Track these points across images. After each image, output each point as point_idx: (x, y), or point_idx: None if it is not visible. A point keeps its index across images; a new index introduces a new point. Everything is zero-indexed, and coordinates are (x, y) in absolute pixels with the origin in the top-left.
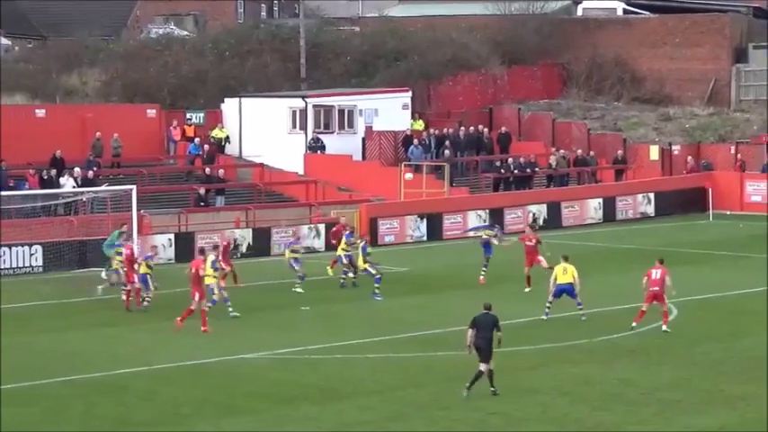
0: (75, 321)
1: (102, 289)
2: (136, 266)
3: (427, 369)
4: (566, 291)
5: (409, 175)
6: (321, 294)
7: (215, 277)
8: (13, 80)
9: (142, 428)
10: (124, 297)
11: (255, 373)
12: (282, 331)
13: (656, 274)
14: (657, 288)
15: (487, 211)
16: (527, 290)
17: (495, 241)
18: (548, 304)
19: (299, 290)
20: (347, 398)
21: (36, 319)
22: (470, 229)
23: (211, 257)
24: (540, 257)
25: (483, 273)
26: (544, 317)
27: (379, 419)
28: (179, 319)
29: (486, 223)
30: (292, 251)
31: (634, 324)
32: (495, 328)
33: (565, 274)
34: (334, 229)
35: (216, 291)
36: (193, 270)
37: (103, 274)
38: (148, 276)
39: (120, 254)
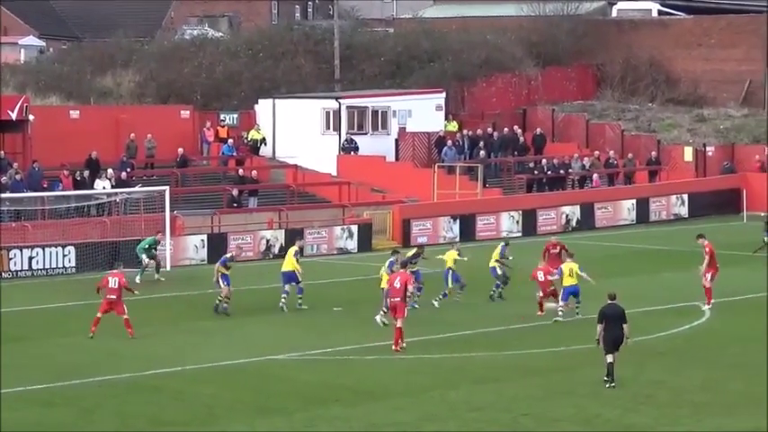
0: (108, 322)
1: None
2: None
3: (459, 370)
4: (572, 293)
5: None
6: (353, 295)
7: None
8: (48, 81)
9: (175, 428)
10: (93, 327)
11: (287, 374)
12: (314, 332)
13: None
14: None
15: (520, 212)
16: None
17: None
18: (560, 311)
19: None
20: (379, 399)
21: (70, 320)
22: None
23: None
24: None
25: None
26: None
27: (411, 420)
28: None
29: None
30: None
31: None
32: (623, 319)
33: (570, 276)
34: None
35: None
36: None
37: (137, 279)
38: (223, 277)
39: (152, 258)
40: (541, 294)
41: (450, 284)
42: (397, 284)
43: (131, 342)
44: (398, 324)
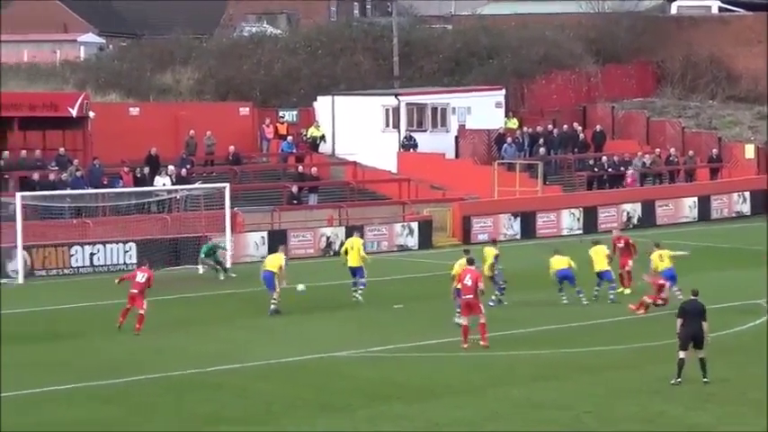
0: (167, 318)
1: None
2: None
3: (520, 367)
4: (670, 277)
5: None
6: (414, 292)
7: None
8: (108, 78)
9: (234, 426)
10: (121, 318)
11: (348, 371)
12: (375, 329)
13: None
14: None
15: (581, 209)
16: (626, 291)
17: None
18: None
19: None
20: (439, 397)
21: (131, 317)
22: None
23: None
24: (630, 260)
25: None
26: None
27: (473, 418)
28: None
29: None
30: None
31: None
32: (702, 317)
33: (662, 261)
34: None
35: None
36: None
37: (221, 277)
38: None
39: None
40: (651, 298)
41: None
42: (468, 282)
43: (190, 338)
44: (482, 320)
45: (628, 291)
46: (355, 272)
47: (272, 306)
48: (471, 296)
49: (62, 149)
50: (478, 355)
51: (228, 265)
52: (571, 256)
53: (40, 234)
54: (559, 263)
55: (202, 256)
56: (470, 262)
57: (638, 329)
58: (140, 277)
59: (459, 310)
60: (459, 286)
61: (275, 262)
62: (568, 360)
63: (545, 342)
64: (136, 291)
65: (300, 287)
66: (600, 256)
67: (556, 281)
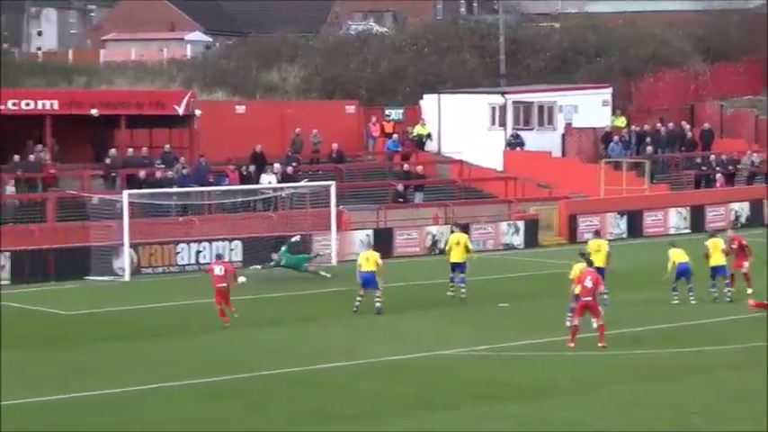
0: (271, 316)
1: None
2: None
3: (627, 367)
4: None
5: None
6: (520, 291)
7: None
8: (214, 76)
9: (342, 423)
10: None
11: (454, 370)
12: (481, 328)
13: None
14: None
15: (688, 208)
16: (749, 291)
17: None
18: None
19: None
20: (546, 396)
21: (239, 315)
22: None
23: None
24: (746, 262)
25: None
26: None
27: (579, 418)
28: None
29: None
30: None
31: None
32: None
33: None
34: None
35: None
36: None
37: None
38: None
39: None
40: None
41: None
42: (589, 284)
43: (297, 336)
44: (601, 321)
45: (750, 290)
46: (456, 267)
47: (378, 304)
48: (590, 298)
49: (168, 147)
50: (584, 355)
51: (334, 263)
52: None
53: (147, 232)
54: (679, 256)
55: (297, 257)
56: (589, 264)
57: (748, 329)
58: (218, 270)
59: (571, 314)
60: (577, 290)
61: (372, 259)
62: (677, 360)
63: (652, 341)
64: (224, 285)
65: (241, 279)
66: (717, 250)
67: (673, 276)
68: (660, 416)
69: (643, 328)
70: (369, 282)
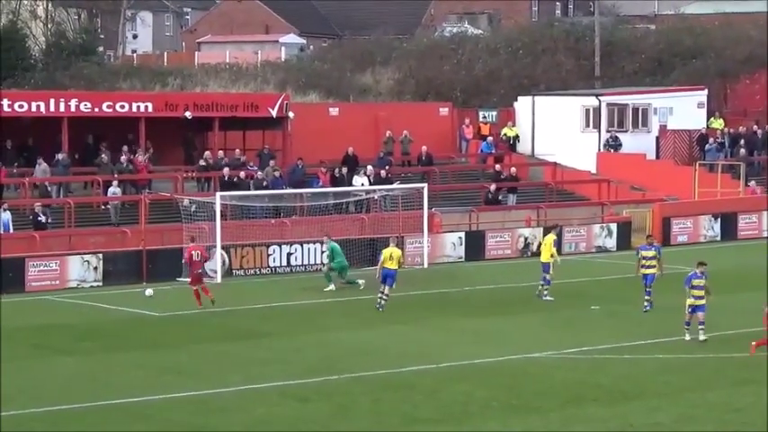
0: (363, 319)
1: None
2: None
3: (718, 371)
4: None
5: None
6: (611, 294)
7: None
8: (308, 79)
9: (429, 426)
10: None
11: (542, 373)
12: (571, 331)
13: None
14: None
15: None
16: None
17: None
18: None
19: None
20: (635, 399)
21: (324, 316)
22: None
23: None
24: None
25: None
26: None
27: (668, 421)
28: None
29: None
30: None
31: None
32: None
33: None
34: None
35: None
36: None
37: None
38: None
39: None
40: None
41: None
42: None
43: (384, 338)
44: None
45: None
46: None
47: (382, 301)
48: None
49: (266, 149)
50: (675, 358)
51: (425, 265)
52: None
53: (239, 234)
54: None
55: (341, 263)
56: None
57: None
58: (196, 255)
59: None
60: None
61: (396, 257)
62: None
63: (743, 345)
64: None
65: (149, 291)
66: None
67: None
68: (750, 419)
69: (735, 331)
70: (388, 278)
